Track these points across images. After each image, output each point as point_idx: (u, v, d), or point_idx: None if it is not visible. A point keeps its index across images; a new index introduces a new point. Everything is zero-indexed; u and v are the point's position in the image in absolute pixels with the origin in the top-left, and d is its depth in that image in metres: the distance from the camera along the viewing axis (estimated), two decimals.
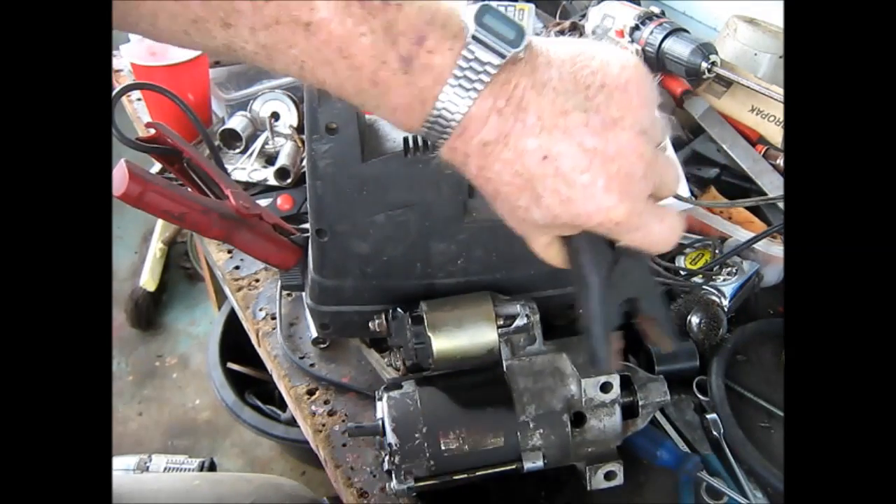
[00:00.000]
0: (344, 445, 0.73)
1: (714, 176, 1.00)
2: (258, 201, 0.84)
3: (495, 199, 0.44)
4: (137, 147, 0.81)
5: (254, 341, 0.88)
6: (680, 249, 0.88)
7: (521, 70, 0.40)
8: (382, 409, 0.64)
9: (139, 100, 1.25)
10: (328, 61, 0.40)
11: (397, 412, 0.63)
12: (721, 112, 1.04)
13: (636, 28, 1.07)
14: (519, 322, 0.67)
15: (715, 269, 0.85)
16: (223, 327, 1.74)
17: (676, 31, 1.04)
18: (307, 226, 0.71)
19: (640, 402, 0.66)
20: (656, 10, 1.11)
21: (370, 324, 0.72)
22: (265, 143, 1.06)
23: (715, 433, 0.73)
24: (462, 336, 0.66)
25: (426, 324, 0.67)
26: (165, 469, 1.60)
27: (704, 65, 0.99)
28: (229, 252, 0.96)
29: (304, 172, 0.70)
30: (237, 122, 1.07)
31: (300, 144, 1.05)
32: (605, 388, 0.64)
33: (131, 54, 1.09)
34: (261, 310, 0.88)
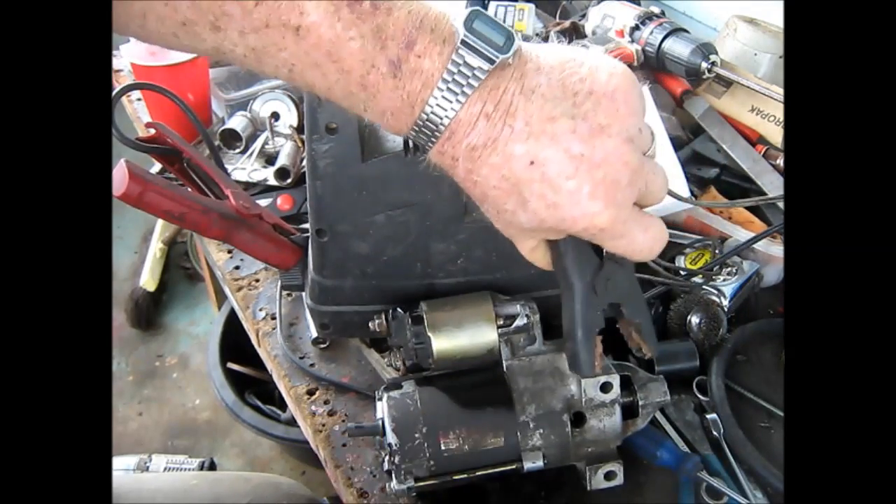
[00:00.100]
0: (344, 445, 0.73)
1: (714, 176, 1.00)
2: (258, 201, 0.84)
3: (483, 202, 0.44)
4: (137, 147, 0.81)
5: (254, 341, 0.88)
6: (680, 249, 0.88)
7: (510, 75, 0.41)
8: (382, 409, 0.64)
9: (139, 100, 1.25)
10: (317, 65, 0.40)
11: (397, 412, 0.63)
12: (721, 112, 1.04)
13: (636, 28, 1.07)
14: (519, 322, 0.67)
15: (715, 269, 0.85)
16: (223, 327, 1.74)
17: (676, 31, 1.04)
18: (307, 226, 0.71)
19: (640, 402, 0.66)
20: (656, 10, 1.11)
21: (370, 324, 0.72)
22: (265, 143, 1.06)
23: (715, 433, 0.73)
24: (462, 336, 0.66)
25: (426, 324, 0.67)
26: (165, 469, 1.60)
27: (704, 65, 0.99)
28: (229, 252, 0.96)
29: (304, 172, 0.70)
30: (237, 122, 1.07)
31: (300, 144, 1.05)
32: (605, 388, 0.64)
33: (131, 54, 1.09)
34: (261, 310, 0.88)
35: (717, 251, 0.87)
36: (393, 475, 0.63)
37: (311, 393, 0.78)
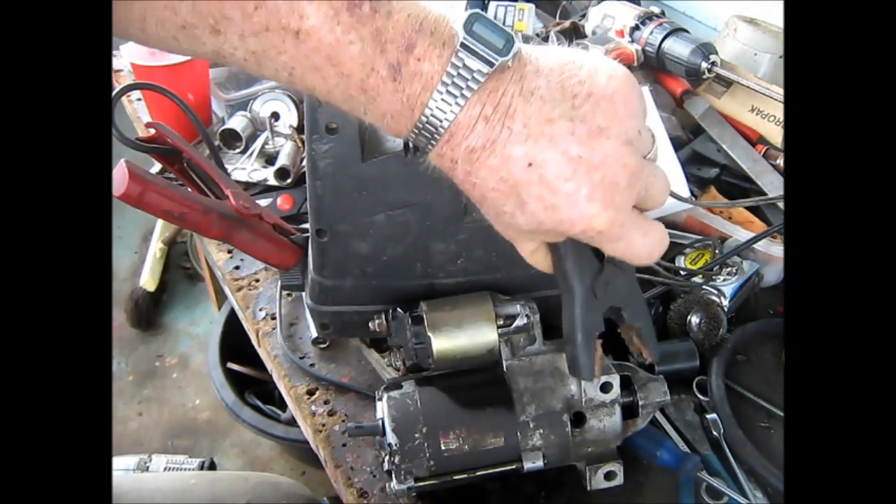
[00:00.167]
0: (344, 445, 0.73)
1: (714, 176, 1.00)
2: (258, 201, 0.84)
3: (482, 204, 0.45)
4: (137, 147, 0.81)
5: (254, 341, 0.88)
6: (680, 249, 0.88)
7: (509, 77, 0.41)
8: (382, 409, 0.64)
9: (139, 100, 1.25)
10: (317, 68, 0.40)
11: (397, 412, 0.63)
12: (721, 112, 1.04)
13: (636, 28, 1.07)
14: (519, 322, 0.67)
15: (715, 269, 0.85)
16: (223, 327, 1.74)
17: (676, 31, 1.04)
18: (307, 226, 0.71)
19: (640, 402, 0.66)
20: (656, 10, 1.11)
21: (370, 324, 0.72)
22: (265, 143, 1.06)
23: (715, 433, 0.73)
24: (462, 336, 0.66)
25: (426, 324, 0.67)
26: (165, 469, 1.60)
27: (704, 65, 0.99)
28: (229, 252, 0.96)
29: (304, 172, 0.70)
30: (237, 122, 1.07)
31: (300, 144, 1.05)
32: (605, 388, 0.64)
33: (131, 54, 1.09)
34: (261, 310, 0.88)
35: (717, 251, 0.87)
36: (393, 475, 0.63)
37: (311, 393, 0.78)
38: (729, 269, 0.85)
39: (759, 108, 1.00)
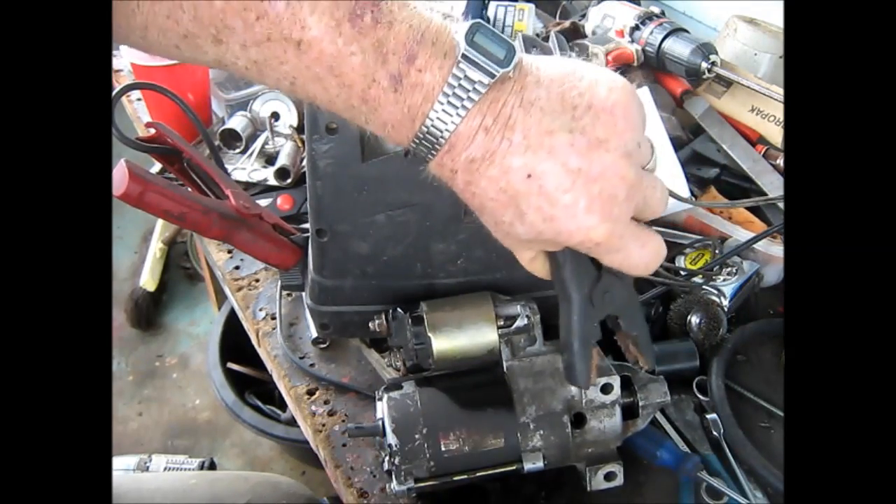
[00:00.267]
0: (344, 445, 0.73)
1: (714, 176, 1.00)
2: (258, 201, 0.84)
3: (481, 213, 0.45)
4: (137, 147, 0.81)
5: (254, 341, 0.88)
6: (680, 249, 0.88)
7: (510, 88, 0.41)
8: (382, 409, 0.64)
9: (139, 100, 1.25)
10: (318, 78, 0.40)
11: (397, 412, 0.63)
12: (721, 112, 1.04)
13: (636, 28, 1.07)
14: (519, 322, 0.67)
15: (715, 269, 0.85)
16: (223, 327, 1.74)
17: (676, 31, 1.04)
18: (307, 226, 0.71)
19: (641, 403, 0.66)
20: (656, 10, 1.11)
21: (370, 324, 0.72)
22: (265, 143, 1.06)
23: (715, 433, 0.73)
24: (462, 336, 0.66)
25: (426, 324, 0.67)
26: (165, 469, 1.60)
27: (704, 65, 0.99)
28: (229, 252, 0.96)
29: (304, 172, 0.70)
30: (237, 122, 1.07)
31: (300, 144, 1.05)
32: (606, 389, 0.64)
33: (131, 54, 1.09)
34: (261, 310, 0.88)
35: (717, 251, 0.87)
36: (393, 476, 0.63)
37: (311, 393, 0.78)
38: (729, 269, 0.85)
39: (759, 108, 1.00)
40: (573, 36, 1.16)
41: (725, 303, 0.82)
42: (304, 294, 0.80)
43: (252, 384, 1.67)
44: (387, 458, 0.63)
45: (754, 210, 0.95)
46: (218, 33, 0.39)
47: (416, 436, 0.62)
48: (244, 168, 1.04)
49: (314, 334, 0.81)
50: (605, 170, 0.41)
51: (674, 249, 0.88)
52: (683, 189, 0.90)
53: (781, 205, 0.92)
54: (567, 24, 1.19)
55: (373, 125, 0.43)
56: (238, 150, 1.07)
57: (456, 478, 0.63)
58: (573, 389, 0.64)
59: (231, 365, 1.68)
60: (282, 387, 0.81)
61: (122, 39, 0.42)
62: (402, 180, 0.66)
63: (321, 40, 0.39)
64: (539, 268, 0.49)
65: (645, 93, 0.95)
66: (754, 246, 0.86)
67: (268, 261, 0.77)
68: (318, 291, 0.74)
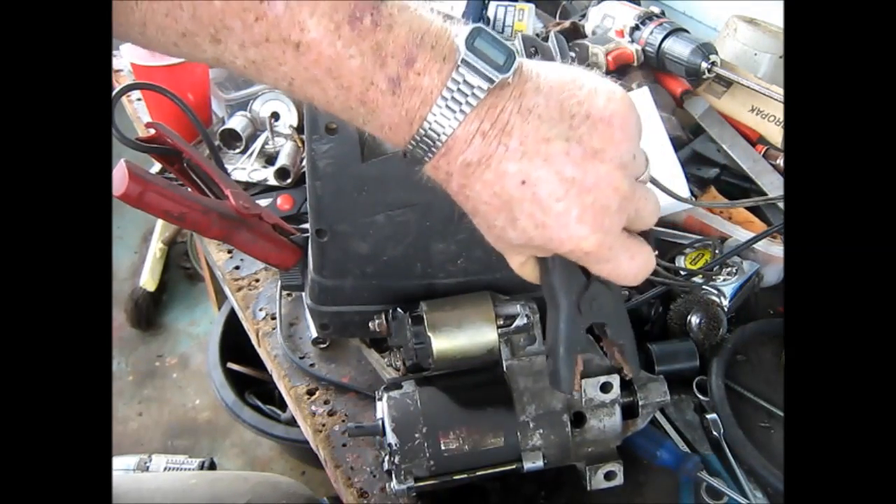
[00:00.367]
0: (344, 445, 0.73)
1: (714, 176, 1.00)
2: (258, 201, 0.84)
3: (474, 216, 0.45)
4: (137, 147, 0.81)
5: (254, 341, 0.88)
6: (680, 249, 0.88)
7: (509, 94, 0.41)
8: (382, 409, 0.64)
9: (139, 100, 1.25)
10: (317, 80, 0.40)
11: (397, 412, 0.63)
12: (721, 112, 1.04)
13: (636, 28, 1.07)
14: (519, 322, 0.67)
15: (715, 269, 0.85)
16: (223, 327, 1.74)
17: (676, 31, 1.04)
18: (307, 226, 0.71)
19: (640, 403, 0.66)
20: (656, 10, 1.11)
21: (370, 324, 0.72)
22: (265, 143, 1.06)
23: (715, 433, 0.73)
24: (462, 336, 0.66)
25: (426, 324, 0.67)
26: (165, 469, 1.60)
27: (704, 65, 0.99)
28: (229, 252, 0.96)
29: (304, 172, 0.70)
30: (237, 122, 1.07)
31: (300, 144, 1.05)
32: (605, 388, 0.64)
33: (131, 54, 1.09)
34: (261, 310, 0.88)
35: (717, 251, 0.87)
36: (393, 475, 0.63)
37: (311, 393, 0.78)
38: (729, 269, 0.85)
39: (759, 108, 1.00)
40: (573, 36, 1.16)
41: (725, 303, 0.82)
42: (304, 294, 0.80)
43: (252, 384, 1.67)
44: (387, 458, 0.63)
45: (754, 210, 0.95)
46: (216, 33, 0.39)
47: (416, 435, 0.62)
48: (244, 168, 1.04)
49: (314, 334, 0.81)
50: (599, 180, 0.41)
51: (674, 249, 0.88)
52: (683, 189, 0.90)
53: (781, 205, 0.92)
54: (567, 24, 1.19)
55: (371, 126, 0.43)
56: (238, 150, 1.07)
57: (456, 477, 0.63)
58: None
59: (231, 365, 1.68)
60: (282, 387, 0.82)
61: (122, 36, 0.42)
62: (402, 180, 0.66)
63: (320, 43, 0.39)
64: (529, 272, 0.50)
65: (645, 93, 0.95)
66: (754, 246, 0.86)
67: (268, 261, 0.77)
68: (318, 291, 0.74)
